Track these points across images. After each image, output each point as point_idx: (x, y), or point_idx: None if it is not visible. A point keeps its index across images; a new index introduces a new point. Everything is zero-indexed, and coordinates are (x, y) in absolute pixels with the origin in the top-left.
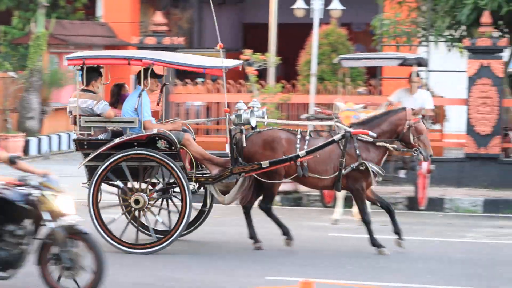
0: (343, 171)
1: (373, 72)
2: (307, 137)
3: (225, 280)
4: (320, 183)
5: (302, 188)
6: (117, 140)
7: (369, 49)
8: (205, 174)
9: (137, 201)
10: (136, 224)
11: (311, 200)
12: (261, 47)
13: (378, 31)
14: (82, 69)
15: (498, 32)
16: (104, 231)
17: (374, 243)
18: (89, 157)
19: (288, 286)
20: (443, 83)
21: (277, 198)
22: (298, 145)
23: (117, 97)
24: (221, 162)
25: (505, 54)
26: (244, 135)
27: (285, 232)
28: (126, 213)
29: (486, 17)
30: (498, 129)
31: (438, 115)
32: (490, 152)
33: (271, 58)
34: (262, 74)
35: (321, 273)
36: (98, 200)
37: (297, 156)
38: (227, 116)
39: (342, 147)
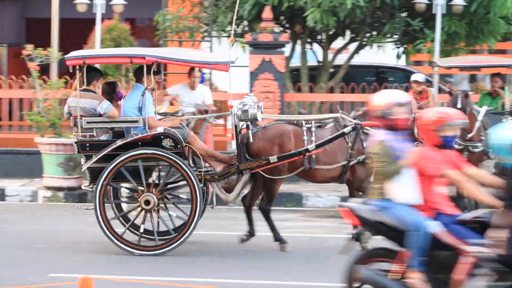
0: (350, 163)
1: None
2: (313, 129)
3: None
4: (328, 175)
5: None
6: (124, 141)
7: (152, 44)
8: (209, 171)
9: (147, 202)
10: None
11: None
12: (45, 42)
13: (161, 26)
14: (81, 68)
15: (280, 27)
16: (112, 235)
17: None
18: (95, 159)
19: (68, 282)
20: (226, 78)
21: (61, 194)
22: (305, 138)
23: (112, 95)
24: (225, 158)
25: (287, 49)
26: (250, 131)
27: (277, 238)
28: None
29: (267, 13)
30: None
31: (222, 110)
32: None
33: (53, 53)
34: (45, 69)
35: (104, 269)
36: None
37: (307, 150)
38: (232, 111)
39: (350, 139)
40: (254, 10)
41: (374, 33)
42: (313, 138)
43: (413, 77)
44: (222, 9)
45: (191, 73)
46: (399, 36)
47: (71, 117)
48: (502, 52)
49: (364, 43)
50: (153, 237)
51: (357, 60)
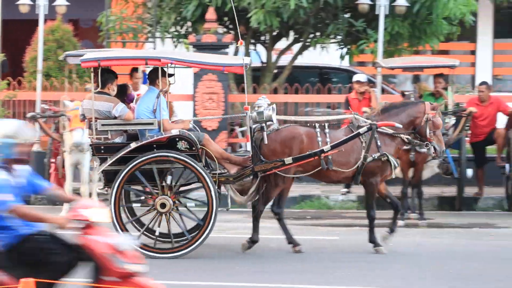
0: (366, 161)
1: None
2: (327, 130)
3: None
4: (341, 175)
5: None
6: (139, 143)
7: (96, 45)
8: (223, 173)
9: (163, 205)
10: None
11: None
12: None
13: (104, 27)
14: (96, 71)
15: (223, 28)
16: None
17: (373, 240)
18: (110, 161)
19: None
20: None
21: None
22: (319, 139)
23: (123, 98)
24: (239, 161)
25: (230, 50)
26: (265, 133)
27: (254, 239)
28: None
29: (211, 14)
30: (224, 125)
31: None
32: None
33: None
34: None
35: None
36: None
37: (322, 151)
38: (247, 113)
39: (365, 140)
40: (198, 11)
41: (318, 34)
42: (328, 140)
43: (355, 78)
44: (166, 10)
45: (133, 74)
46: (342, 37)
47: (86, 120)
48: (445, 52)
49: (307, 44)
50: (167, 239)
51: (301, 61)
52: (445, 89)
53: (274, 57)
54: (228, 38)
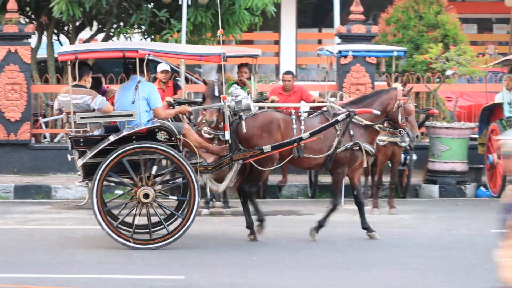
0: (338, 151)
1: None
2: (302, 118)
3: None
4: (313, 162)
5: None
6: (119, 135)
7: None
8: (202, 163)
9: (146, 195)
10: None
11: None
12: None
13: None
14: (73, 64)
15: (25, 18)
16: (110, 229)
17: (322, 225)
18: (91, 154)
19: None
20: None
21: None
22: (294, 126)
23: (98, 90)
24: (216, 150)
25: (33, 41)
26: (243, 121)
27: (260, 219)
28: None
29: (12, 4)
30: (28, 115)
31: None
32: (20, 138)
33: None
34: None
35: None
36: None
37: (301, 139)
38: (225, 102)
39: (340, 128)
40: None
41: (121, 24)
42: (302, 127)
43: (160, 67)
44: None
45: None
46: (146, 27)
47: (63, 113)
48: (249, 42)
49: (111, 34)
50: (145, 231)
51: None
52: (249, 78)
53: None
54: (30, 28)
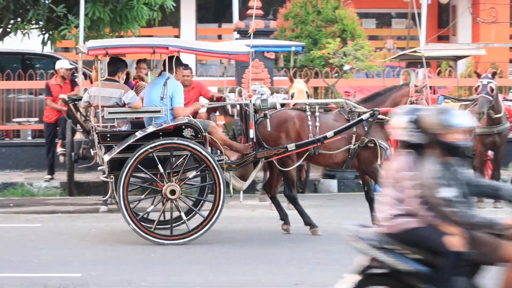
0: (352, 147)
1: None
2: (317, 114)
3: None
4: (330, 160)
5: None
6: (147, 131)
7: None
8: (227, 160)
9: (173, 192)
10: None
11: None
12: None
13: None
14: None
15: None
16: (136, 225)
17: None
18: (118, 149)
19: None
20: None
21: None
22: (310, 123)
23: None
24: (240, 148)
25: None
26: (268, 120)
27: (307, 222)
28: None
29: None
30: None
31: None
32: None
33: None
34: None
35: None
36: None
37: (325, 137)
38: (251, 101)
39: (366, 126)
40: None
41: (19, 19)
42: (317, 124)
43: (59, 64)
44: None
45: (138, 65)
46: (43, 23)
47: (92, 107)
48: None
49: (8, 30)
50: (166, 226)
51: (4, 47)
52: (147, 74)
53: None
54: None
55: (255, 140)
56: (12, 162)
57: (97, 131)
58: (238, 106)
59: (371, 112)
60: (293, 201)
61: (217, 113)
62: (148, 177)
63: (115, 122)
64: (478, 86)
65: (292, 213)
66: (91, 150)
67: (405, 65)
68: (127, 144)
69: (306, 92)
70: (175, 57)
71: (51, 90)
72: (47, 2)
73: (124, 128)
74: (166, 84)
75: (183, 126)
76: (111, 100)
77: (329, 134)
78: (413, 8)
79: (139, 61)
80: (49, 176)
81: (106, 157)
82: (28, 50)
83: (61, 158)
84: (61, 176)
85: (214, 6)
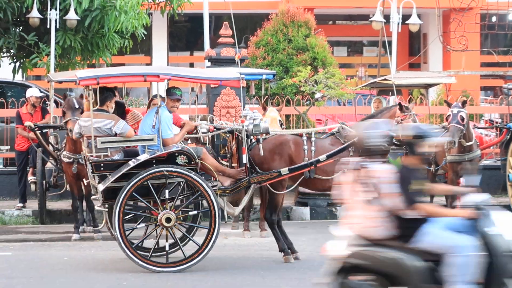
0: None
1: None
2: (313, 139)
3: None
4: (326, 185)
5: None
6: (141, 159)
7: None
8: (220, 186)
9: (168, 219)
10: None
11: None
12: None
13: None
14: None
15: None
16: (131, 253)
17: None
18: (112, 178)
19: None
20: None
21: None
22: (305, 147)
23: (120, 114)
24: (233, 173)
25: None
26: (261, 145)
27: (282, 249)
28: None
29: None
30: None
31: None
32: None
33: None
34: None
35: None
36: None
37: (318, 161)
38: (243, 126)
39: (352, 149)
40: None
41: None
42: (313, 148)
43: (29, 92)
44: None
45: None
46: (14, 51)
47: (84, 138)
48: (121, 65)
49: None
50: (162, 253)
51: None
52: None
53: None
54: None
55: (248, 165)
56: None
57: (90, 161)
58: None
59: None
60: (271, 225)
61: (189, 141)
62: (142, 205)
63: (108, 152)
64: (449, 115)
65: (264, 240)
66: (62, 177)
67: (376, 93)
68: (122, 172)
69: (279, 120)
70: (166, 85)
71: (22, 118)
72: (18, 30)
73: (117, 157)
74: (158, 113)
75: (176, 154)
76: (99, 130)
77: (322, 157)
78: (384, 36)
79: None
80: (20, 204)
81: (101, 187)
82: None
83: (33, 186)
84: (33, 204)
85: (186, 34)
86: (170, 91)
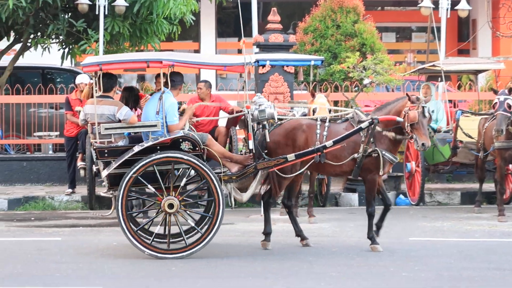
0: (356, 156)
1: None
2: (327, 124)
3: None
4: (337, 170)
5: None
6: (144, 145)
7: None
8: (226, 172)
9: (171, 206)
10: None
11: None
12: None
13: None
14: (98, 75)
15: None
16: (135, 239)
17: (370, 237)
18: (115, 165)
19: None
20: None
21: None
22: (318, 131)
23: (129, 101)
24: (240, 159)
25: None
26: (267, 130)
27: (266, 232)
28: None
29: None
30: None
31: None
32: None
33: None
34: None
35: None
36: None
37: (324, 147)
38: (248, 111)
39: (365, 134)
40: None
41: (38, 34)
42: (325, 133)
43: (79, 78)
44: None
45: (157, 79)
46: (63, 37)
47: (88, 124)
48: (170, 51)
49: (28, 44)
50: (164, 240)
51: (24, 61)
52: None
53: None
54: None
55: (255, 151)
56: (33, 176)
57: (94, 147)
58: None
59: (370, 120)
60: (266, 205)
61: (237, 127)
62: (150, 191)
63: (112, 138)
64: (496, 103)
65: (312, 226)
66: None
67: (425, 79)
68: (124, 159)
69: (328, 106)
70: (169, 71)
71: (71, 104)
72: (66, 17)
73: (121, 143)
74: (162, 99)
75: (181, 140)
76: (103, 117)
77: (328, 143)
78: (433, 22)
79: (158, 75)
80: (70, 190)
81: (104, 173)
82: (48, 64)
83: (82, 172)
84: (82, 190)
85: (234, 21)
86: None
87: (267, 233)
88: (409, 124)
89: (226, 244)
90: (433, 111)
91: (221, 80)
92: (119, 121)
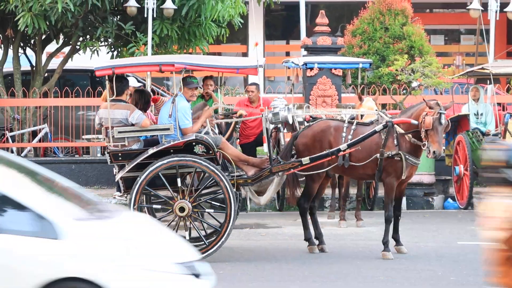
0: (378, 157)
1: None
2: (353, 126)
3: None
4: (361, 172)
5: None
6: (156, 148)
7: None
8: (241, 175)
9: (182, 209)
10: None
11: None
12: None
13: None
14: (111, 78)
15: None
16: None
17: (385, 241)
18: (128, 168)
19: None
20: None
21: None
22: (344, 134)
23: (141, 104)
24: (257, 162)
25: None
26: (282, 133)
27: (307, 238)
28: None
29: None
30: None
31: None
32: None
33: None
34: None
35: None
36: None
37: (339, 150)
38: (263, 115)
39: (384, 137)
40: None
41: (87, 37)
42: (350, 136)
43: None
44: None
45: (205, 82)
46: (112, 40)
47: (103, 128)
48: (217, 55)
49: (77, 47)
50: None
51: (73, 64)
52: (215, 91)
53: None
54: None
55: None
56: (82, 179)
57: (108, 151)
58: (305, 122)
59: (384, 124)
60: (302, 212)
61: (285, 130)
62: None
63: (126, 141)
64: None
65: (360, 230)
66: None
67: (474, 82)
68: (136, 162)
69: (376, 110)
70: (182, 75)
71: None
72: (115, 19)
73: (135, 146)
74: (175, 102)
75: (194, 143)
76: (115, 121)
77: (343, 147)
78: (482, 24)
79: (205, 78)
80: (118, 193)
81: (118, 176)
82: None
83: None
84: None
85: (282, 23)
86: (186, 80)
87: (307, 238)
88: (424, 130)
89: (274, 248)
90: (481, 114)
91: (269, 83)
92: (132, 124)
